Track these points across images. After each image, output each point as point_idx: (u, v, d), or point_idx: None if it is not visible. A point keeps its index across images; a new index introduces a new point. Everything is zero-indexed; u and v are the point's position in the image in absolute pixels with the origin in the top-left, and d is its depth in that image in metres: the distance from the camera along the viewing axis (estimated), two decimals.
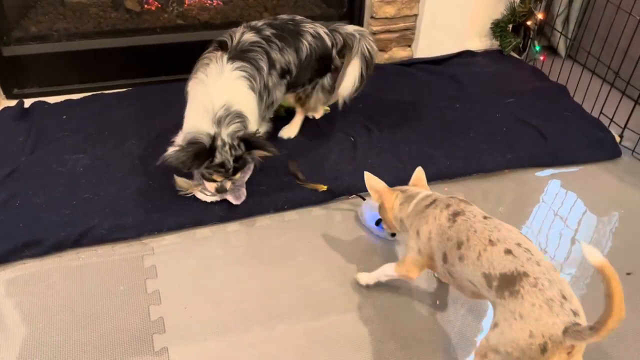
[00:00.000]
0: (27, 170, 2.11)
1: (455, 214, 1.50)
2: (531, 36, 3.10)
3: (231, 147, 1.87)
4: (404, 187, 1.74)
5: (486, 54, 3.14)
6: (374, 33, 2.90)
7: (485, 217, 1.47)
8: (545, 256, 1.38)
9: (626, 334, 1.72)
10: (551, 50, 3.22)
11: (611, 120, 2.58)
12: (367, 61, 2.26)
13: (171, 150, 1.87)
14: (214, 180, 1.95)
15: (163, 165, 1.88)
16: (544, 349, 1.20)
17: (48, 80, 2.58)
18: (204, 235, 1.98)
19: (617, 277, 1.14)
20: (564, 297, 1.24)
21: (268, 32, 2.08)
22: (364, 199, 2.09)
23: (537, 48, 3.09)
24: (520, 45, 3.14)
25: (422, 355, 1.62)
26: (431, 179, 2.24)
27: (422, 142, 2.41)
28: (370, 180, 1.73)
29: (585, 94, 2.73)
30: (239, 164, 1.93)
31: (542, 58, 3.08)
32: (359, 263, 1.90)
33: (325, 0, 2.94)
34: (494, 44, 3.19)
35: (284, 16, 2.20)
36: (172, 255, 1.90)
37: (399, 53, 3.02)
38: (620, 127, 2.55)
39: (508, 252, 1.33)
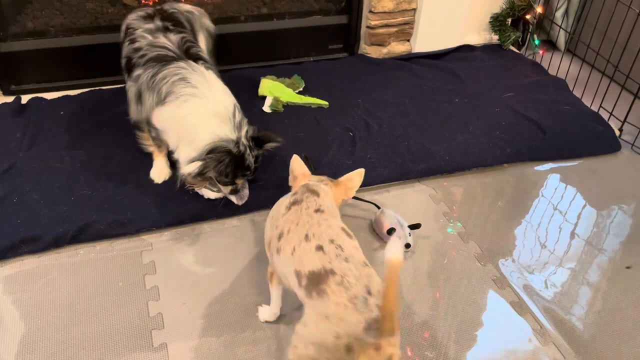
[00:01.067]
0: (24, 167, 2.10)
1: (294, 203, 1.45)
2: (530, 30, 3.09)
3: (250, 148, 1.86)
4: (323, 177, 1.62)
5: (485, 48, 3.13)
6: (372, 27, 2.89)
7: (316, 211, 1.40)
8: (359, 251, 1.34)
9: (626, 327, 1.71)
10: (550, 44, 3.21)
11: (611, 114, 2.58)
12: (212, 37, 2.35)
13: (189, 167, 1.80)
14: (234, 183, 1.91)
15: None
16: (349, 349, 1.16)
17: (45, 76, 2.57)
18: (202, 231, 1.98)
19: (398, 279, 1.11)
20: (369, 293, 1.20)
21: (172, 26, 2.07)
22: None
23: (537, 42, 3.08)
24: (520, 39, 3.13)
25: None
26: (430, 173, 2.25)
27: (421, 136, 2.40)
28: (294, 163, 1.63)
29: (585, 87, 2.72)
30: (258, 163, 1.92)
31: (541, 52, 3.07)
32: None
33: None
34: (493, 38, 3.18)
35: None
36: (171, 251, 1.89)
37: (398, 48, 3.01)
38: (620, 120, 2.55)
39: (319, 248, 1.29)
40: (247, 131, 1.87)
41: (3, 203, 1.95)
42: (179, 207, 2.00)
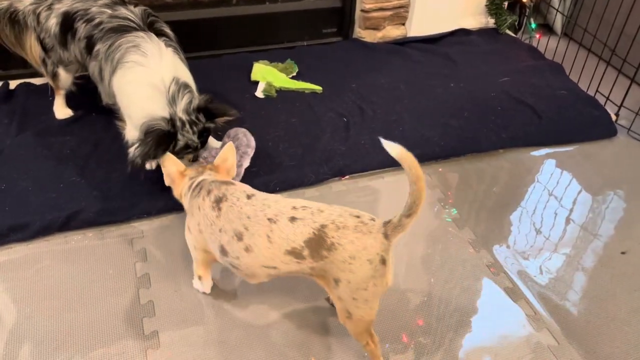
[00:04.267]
0: (12, 154, 2.07)
1: (219, 201, 1.43)
2: (527, 14, 3.05)
3: (191, 123, 1.74)
4: (194, 172, 1.55)
5: (481, 32, 3.10)
6: (366, 11, 2.84)
7: (249, 197, 1.42)
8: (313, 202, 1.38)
9: (621, 313, 1.71)
10: (547, 28, 3.17)
11: (607, 98, 2.55)
12: None
13: (132, 149, 1.73)
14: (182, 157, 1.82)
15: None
16: (383, 261, 1.29)
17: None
18: None
19: (416, 163, 1.24)
20: (357, 216, 1.31)
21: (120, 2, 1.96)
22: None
23: (533, 26, 3.04)
24: (516, 23, 3.09)
25: None
26: (425, 159, 2.22)
27: (416, 122, 2.37)
28: (167, 161, 1.57)
29: (581, 72, 2.70)
30: (204, 137, 1.81)
31: (537, 36, 3.04)
32: None
33: None
34: (489, 22, 3.14)
35: None
36: (161, 238, 1.87)
37: (393, 32, 2.96)
38: (617, 105, 2.53)
39: (293, 219, 1.33)
40: (188, 102, 1.74)
41: None
42: (169, 194, 1.95)
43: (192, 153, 1.84)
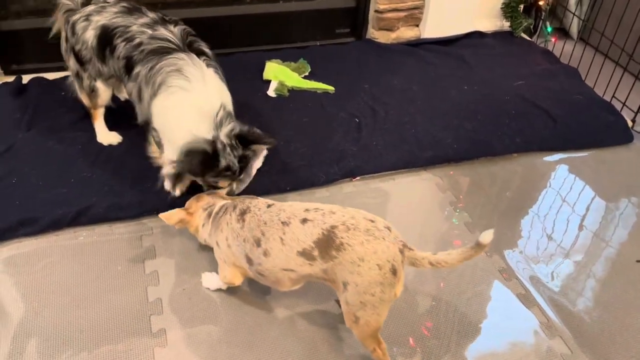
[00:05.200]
0: (23, 148, 2.07)
1: (243, 213, 1.48)
2: (543, 17, 3.01)
3: (232, 147, 1.72)
4: (205, 203, 1.63)
5: (496, 35, 3.06)
6: (380, 12, 2.82)
7: (269, 206, 1.47)
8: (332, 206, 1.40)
9: (635, 322, 1.67)
10: (563, 32, 3.13)
11: (623, 104, 2.52)
12: None
13: (167, 169, 1.77)
14: (219, 187, 1.81)
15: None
16: (394, 271, 1.30)
17: (47, 55, 2.52)
18: None
19: None
20: (372, 221, 1.33)
21: (160, 18, 1.91)
22: None
23: (549, 29, 3.00)
24: (532, 27, 3.06)
25: None
26: (437, 162, 2.20)
27: (429, 124, 2.35)
28: (168, 217, 1.63)
29: (598, 77, 2.66)
30: (243, 162, 1.78)
31: (553, 40, 3.00)
32: None
33: None
34: (504, 25, 3.11)
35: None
36: (171, 235, 1.86)
37: (407, 33, 2.94)
38: (633, 111, 2.49)
39: (304, 221, 1.35)
40: (231, 129, 1.73)
41: (1, 184, 1.92)
42: None
43: (230, 178, 1.79)
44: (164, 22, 1.89)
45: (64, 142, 2.12)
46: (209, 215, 1.58)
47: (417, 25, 2.96)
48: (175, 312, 1.62)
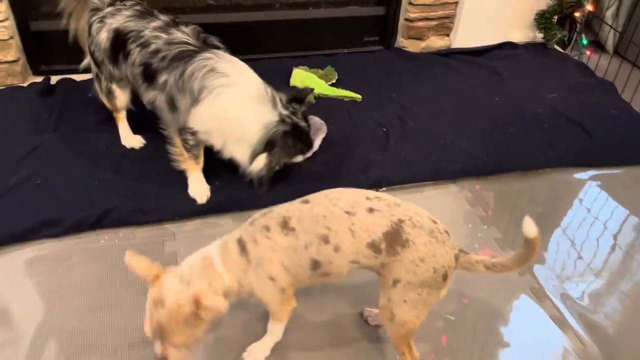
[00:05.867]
0: (49, 148, 2.06)
1: (283, 226, 1.27)
2: (578, 29, 2.94)
3: (293, 113, 1.83)
4: (183, 271, 1.28)
5: (528, 46, 2.99)
6: (410, 20, 2.78)
7: (305, 202, 1.31)
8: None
9: None
10: (598, 45, 3.05)
11: None
12: None
13: (258, 163, 1.81)
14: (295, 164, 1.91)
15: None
16: (445, 277, 1.27)
17: (75, 57, 2.51)
18: (225, 222, 1.90)
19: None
20: (434, 222, 1.28)
21: (171, 20, 1.90)
22: None
23: (584, 42, 2.92)
24: (566, 39, 2.98)
25: None
26: (467, 174, 2.14)
27: (458, 135, 2.29)
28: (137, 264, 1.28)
29: (635, 92, 2.57)
30: (307, 120, 1.90)
31: (588, 53, 2.92)
32: None
33: None
34: (538, 37, 3.04)
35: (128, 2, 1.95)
36: (193, 242, 1.82)
37: (437, 42, 2.89)
38: None
39: (371, 210, 1.27)
40: (282, 99, 1.82)
41: (26, 184, 1.91)
42: None
43: (307, 143, 1.92)
44: (175, 24, 1.88)
45: (89, 144, 2.10)
46: (213, 273, 1.27)
47: (448, 35, 2.91)
48: None
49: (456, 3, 2.78)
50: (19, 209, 1.82)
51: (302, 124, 1.84)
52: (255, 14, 2.66)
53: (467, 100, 2.53)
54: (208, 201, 1.92)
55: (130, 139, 2.13)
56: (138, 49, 1.82)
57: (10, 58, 2.36)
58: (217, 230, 1.87)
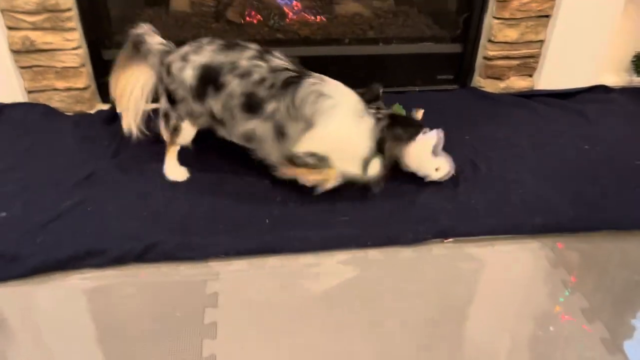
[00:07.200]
0: (104, 176, 2.03)
1: None
2: None
3: (378, 109, 1.91)
4: None
5: (625, 91, 2.71)
6: (489, 59, 2.58)
7: None
8: None
9: None
10: None
11: None
12: None
13: (373, 168, 1.88)
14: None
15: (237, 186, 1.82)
16: None
17: None
18: (273, 265, 1.77)
19: None
20: None
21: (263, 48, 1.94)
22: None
23: None
24: None
25: None
26: (549, 230, 1.89)
27: (540, 185, 2.04)
28: None
29: None
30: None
31: None
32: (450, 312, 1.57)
33: (437, 21, 2.68)
34: (635, 81, 2.75)
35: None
36: (237, 284, 1.70)
37: (518, 83, 2.67)
38: None
39: None
40: (363, 101, 1.89)
41: (76, 210, 1.87)
42: (252, 236, 1.81)
43: (407, 120, 2.09)
44: (268, 51, 1.88)
45: (144, 174, 2.06)
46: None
47: (531, 75, 2.68)
48: None
49: (542, 42, 2.56)
50: (67, 236, 1.77)
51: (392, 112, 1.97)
52: (324, 49, 2.58)
53: (552, 146, 2.28)
54: (257, 240, 1.79)
55: (175, 172, 2.07)
56: (237, 79, 1.81)
57: (80, 85, 2.40)
58: (264, 273, 1.74)
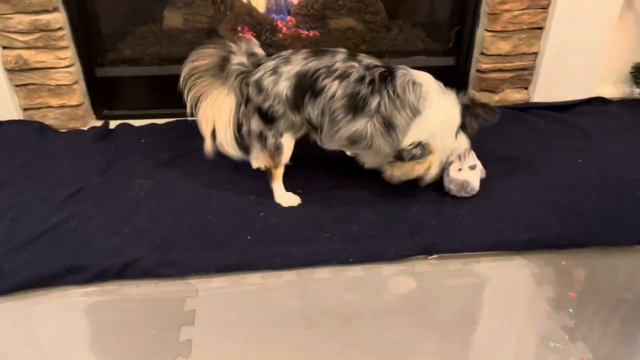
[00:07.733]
0: (91, 191, 2.05)
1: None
2: None
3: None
4: None
5: (623, 102, 2.65)
6: (483, 71, 2.55)
7: None
8: None
9: None
10: None
11: None
12: None
13: (460, 140, 1.98)
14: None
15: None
16: None
17: (136, 103, 2.58)
18: (253, 282, 1.75)
19: None
20: None
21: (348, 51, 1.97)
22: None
23: None
24: None
25: None
26: (538, 246, 1.86)
27: (531, 200, 2.00)
28: None
29: None
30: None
31: None
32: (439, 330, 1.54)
33: (430, 34, 2.66)
34: (634, 92, 2.69)
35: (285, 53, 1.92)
36: (215, 301, 1.69)
37: (512, 96, 2.63)
38: None
39: None
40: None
41: (61, 226, 1.89)
42: (232, 252, 1.80)
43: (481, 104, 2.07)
44: (354, 54, 1.91)
45: (131, 189, 2.07)
46: None
47: (526, 88, 2.64)
48: None
49: (535, 54, 2.52)
50: (50, 252, 1.78)
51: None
52: None
53: (545, 160, 2.23)
54: (236, 257, 1.78)
55: (288, 198, 2.00)
56: (336, 82, 1.82)
57: (74, 102, 2.44)
58: (242, 291, 1.72)
